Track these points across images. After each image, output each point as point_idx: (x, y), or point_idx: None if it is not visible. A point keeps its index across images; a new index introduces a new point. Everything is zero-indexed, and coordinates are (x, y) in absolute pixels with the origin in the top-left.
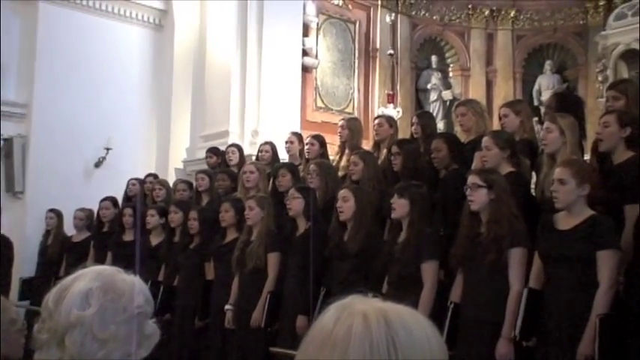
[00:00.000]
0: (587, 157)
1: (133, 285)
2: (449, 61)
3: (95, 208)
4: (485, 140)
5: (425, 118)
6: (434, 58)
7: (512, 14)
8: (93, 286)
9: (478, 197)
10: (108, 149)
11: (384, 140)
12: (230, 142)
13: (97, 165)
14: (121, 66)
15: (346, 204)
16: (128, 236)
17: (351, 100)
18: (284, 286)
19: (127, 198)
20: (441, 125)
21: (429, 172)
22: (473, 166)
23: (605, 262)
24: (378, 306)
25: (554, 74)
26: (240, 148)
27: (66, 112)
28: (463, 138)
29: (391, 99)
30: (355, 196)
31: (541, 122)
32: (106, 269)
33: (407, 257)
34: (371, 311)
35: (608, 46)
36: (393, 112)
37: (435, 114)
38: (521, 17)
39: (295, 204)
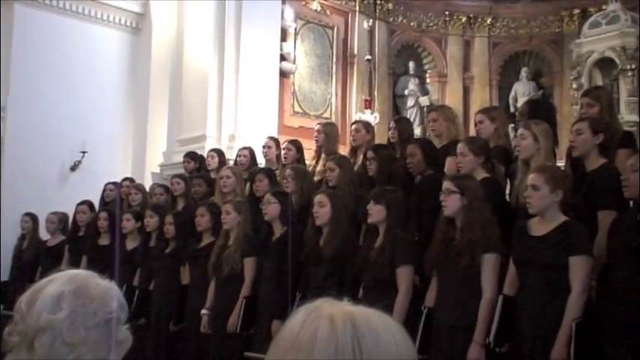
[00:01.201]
0: (560, 162)
1: (107, 290)
2: (426, 67)
3: (71, 212)
4: (461, 146)
5: (402, 124)
6: (411, 64)
7: (488, 21)
8: (65, 289)
9: (451, 202)
10: (84, 152)
11: (360, 146)
12: (207, 147)
13: (73, 168)
14: (97, 69)
15: (322, 209)
16: (103, 240)
17: (328, 106)
18: (259, 291)
19: (104, 202)
20: (418, 131)
21: (405, 178)
22: (445, 169)
23: (578, 268)
24: (346, 309)
25: (530, 81)
26: (220, 153)
27: (42, 115)
28: (436, 143)
29: (368, 104)
30: (331, 201)
31: (516, 128)
32: (80, 273)
33: (382, 262)
34: (338, 314)
35: (582, 54)
36: (371, 117)
37: (412, 120)
38: (498, 24)
39: (271, 209)
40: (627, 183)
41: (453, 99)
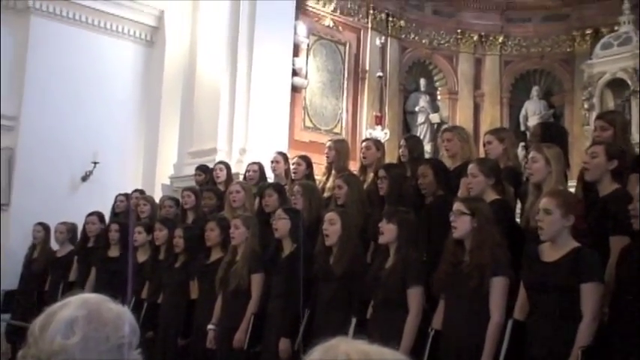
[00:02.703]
0: (571, 182)
1: (119, 314)
2: (437, 84)
3: (81, 222)
4: (471, 167)
5: (412, 142)
6: (422, 81)
7: (500, 40)
8: (78, 314)
9: (461, 224)
10: (95, 163)
11: (371, 164)
12: (217, 160)
13: (84, 179)
14: (111, 81)
15: (332, 227)
16: (113, 252)
17: (339, 121)
18: (268, 308)
19: (114, 213)
20: (428, 148)
21: (415, 198)
22: (459, 193)
23: (589, 295)
24: (362, 348)
25: (540, 100)
26: (227, 166)
27: (54, 126)
28: (449, 163)
29: (379, 121)
30: (342, 220)
31: (527, 147)
32: (92, 297)
33: (393, 282)
34: (354, 353)
35: (594, 75)
36: (381, 133)
37: (422, 136)
38: (509, 43)
39: (281, 225)
40: (635, 213)
41: (463, 116)
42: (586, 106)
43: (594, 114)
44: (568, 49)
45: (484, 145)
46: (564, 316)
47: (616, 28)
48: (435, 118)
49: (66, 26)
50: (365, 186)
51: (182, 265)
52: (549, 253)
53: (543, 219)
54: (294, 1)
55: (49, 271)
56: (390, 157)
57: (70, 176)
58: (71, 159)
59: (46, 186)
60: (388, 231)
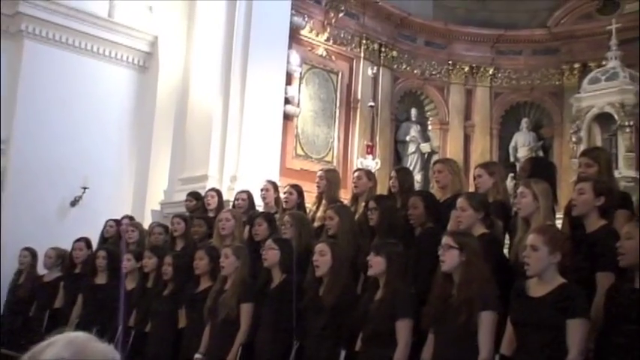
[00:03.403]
0: (558, 215)
1: (105, 354)
2: (428, 114)
3: (69, 248)
4: (460, 201)
5: (403, 174)
6: (413, 111)
7: (490, 72)
8: (64, 355)
9: (450, 258)
10: (85, 188)
11: (362, 193)
12: (208, 187)
13: (73, 204)
14: (103, 105)
15: (323, 258)
16: (100, 279)
17: (330, 149)
18: (256, 338)
19: (103, 239)
20: (418, 177)
21: (405, 229)
22: (449, 226)
23: (575, 331)
24: None
25: (530, 132)
26: (219, 193)
27: (45, 149)
28: (439, 195)
29: (370, 150)
30: (332, 251)
31: (516, 178)
32: (79, 337)
33: (382, 314)
34: None
35: (582, 109)
36: (372, 163)
37: (412, 166)
38: (500, 75)
39: (271, 255)
40: (622, 250)
41: (453, 146)
42: (574, 139)
43: (582, 147)
44: (557, 82)
45: (474, 179)
46: (550, 352)
47: (604, 62)
48: (425, 147)
49: (59, 51)
50: (356, 216)
51: (171, 294)
52: (536, 289)
53: (530, 255)
54: (288, 30)
55: (35, 297)
56: (381, 186)
57: (60, 201)
58: (61, 183)
59: (35, 210)
60: (377, 264)
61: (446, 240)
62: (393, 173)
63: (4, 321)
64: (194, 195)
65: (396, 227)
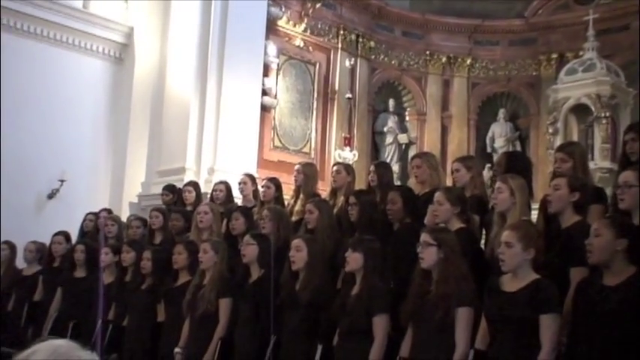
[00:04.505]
0: (534, 205)
1: None
2: (406, 105)
3: (47, 241)
4: (438, 195)
5: (381, 169)
6: (391, 102)
7: (468, 62)
8: None
9: (428, 255)
10: (62, 181)
11: (341, 187)
12: (186, 179)
13: (51, 197)
14: (79, 98)
15: (299, 254)
16: (79, 273)
17: (308, 141)
18: (235, 333)
19: (83, 233)
20: (396, 168)
21: (384, 224)
22: (426, 220)
23: (547, 326)
24: None
25: (507, 122)
26: (197, 187)
27: (21, 142)
28: (417, 189)
29: (348, 142)
30: (308, 247)
31: (492, 168)
32: (62, 346)
33: (359, 310)
34: None
35: (559, 100)
36: (350, 154)
37: (390, 157)
38: (477, 65)
39: (249, 250)
40: (590, 248)
41: (431, 137)
42: (551, 130)
43: (559, 138)
44: (534, 73)
45: (452, 173)
46: (523, 346)
47: (580, 53)
48: (403, 138)
49: (35, 43)
50: (335, 210)
51: (149, 288)
52: (510, 284)
53: (505, 252)
54: (265, 21)
55: (14, 290)
56: (359, 177)
57: (37, 194)
58: (37, 177)
59: (13, 204)
60: (354, 260)
61: (424, 237)
62: (372, 168)
63: None
64: (169, 188)
65: (376, 222)
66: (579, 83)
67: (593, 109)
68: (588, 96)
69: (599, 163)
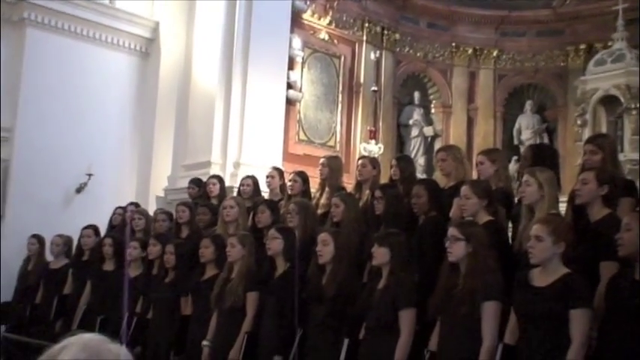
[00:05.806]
0: (562, 198)
1: (119, 355)
2: (431, 97)
3: (74, 235)
4: (464, 189)
5: (403, 162)
6: (416, 94)
7: (494, 54)
8: (80, 358)
9: (456, 249)
10: (90, 175)
11: (366, 181)
12: (212, 173)
13: (79, 191)
14: (105, 92)
15: (325, 248)
16: (108, 266)
17: (333, 134)
18: (261, 327)
19: (111, 226)
20: (421, 161)
21: (409, 217)
22: (451, 213)
23: (578, 321)
24: None
25: (534, 114)
26: (221, 180)
27: (49, 137)
28: (443, 182)
29: (373, 135)
30: (335, 240)
31: (519, 160)
32: (93, 339)
33: (385, 304)
34: None
35: (587, 91)
36: (375, 147)
37: (416, 150)
38: (503, 57)
39: (275, 244)
40: (621, 242)
41: (457, 130)
42: (579, 122)
43: (587, 130)
44: (562, 64)
45: (476, 165)
46: (553, 341)
47: (609, 44)
48: (428, 131)
49: (61, 38)
50: (360, 204)
51: (172, 282)
52: (540, 279)
53: (534, 245)
54: (290, 14)
55: (43, 284)
56: (384, 170)
57: (65, 188)
58: (66, 171)
59: (40, 198)
60: (380, 254)
61: (452, 231)
62: (394, 162)
63: (13, 306)
64: (195, 182)
65: (401, 216)
66: (608, 74)
67: (622, 100)
68: (617, 87)
69: (629, 155)
